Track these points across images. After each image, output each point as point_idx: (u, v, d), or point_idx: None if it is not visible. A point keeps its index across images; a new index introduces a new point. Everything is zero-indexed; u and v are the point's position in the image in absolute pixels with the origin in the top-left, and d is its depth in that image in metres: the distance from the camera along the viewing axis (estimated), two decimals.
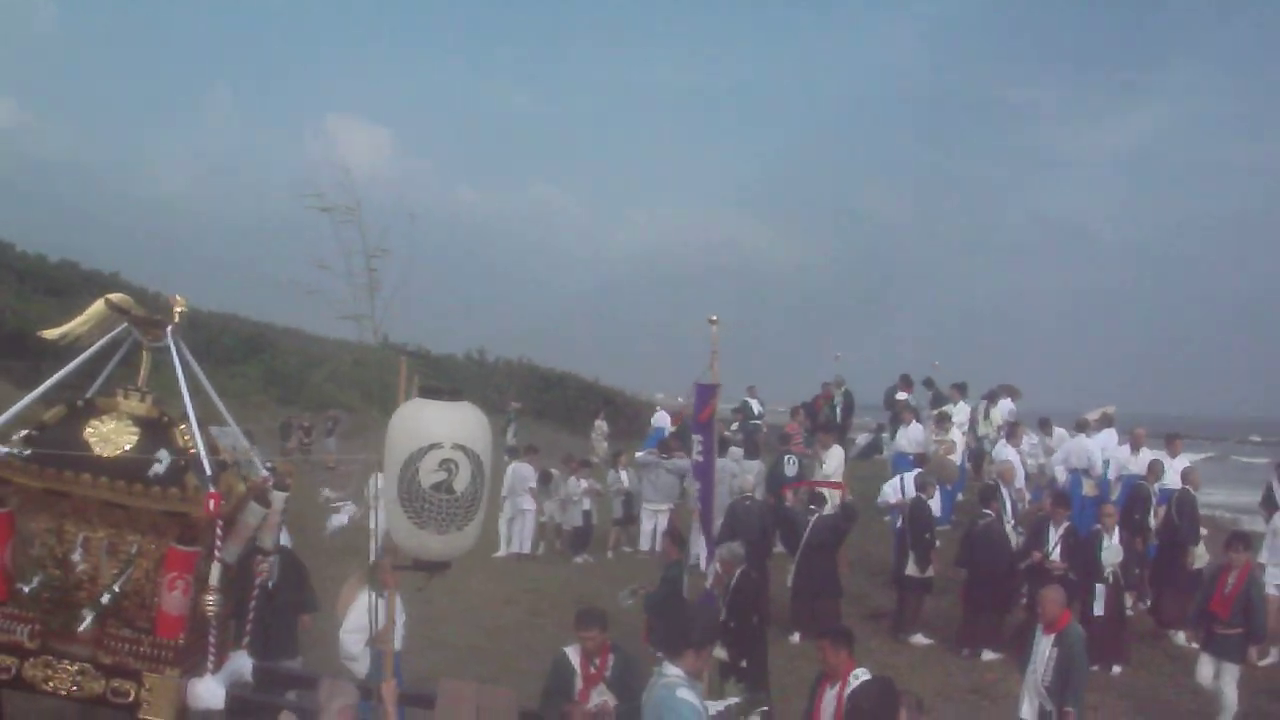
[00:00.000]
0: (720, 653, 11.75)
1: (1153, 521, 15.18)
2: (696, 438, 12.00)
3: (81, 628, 7.12)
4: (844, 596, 15.00)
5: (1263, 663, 12.36)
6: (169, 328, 7.91)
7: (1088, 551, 13.51)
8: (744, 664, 11.99)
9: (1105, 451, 18.51)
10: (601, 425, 34.56)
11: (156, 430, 7.56)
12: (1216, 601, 11.18)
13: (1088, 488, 18.02)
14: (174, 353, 7.94)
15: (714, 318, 11.96)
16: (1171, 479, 16.54)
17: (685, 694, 6.47)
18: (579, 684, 8.54)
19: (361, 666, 9.80)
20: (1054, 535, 13.78)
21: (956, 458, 19.86)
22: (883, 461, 24.66)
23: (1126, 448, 18.26)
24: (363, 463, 21.73)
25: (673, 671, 6.62)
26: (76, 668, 7.24)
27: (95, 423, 7.50)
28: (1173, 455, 17.16)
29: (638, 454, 22.03)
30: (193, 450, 7.45)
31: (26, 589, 7.22)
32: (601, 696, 8.49)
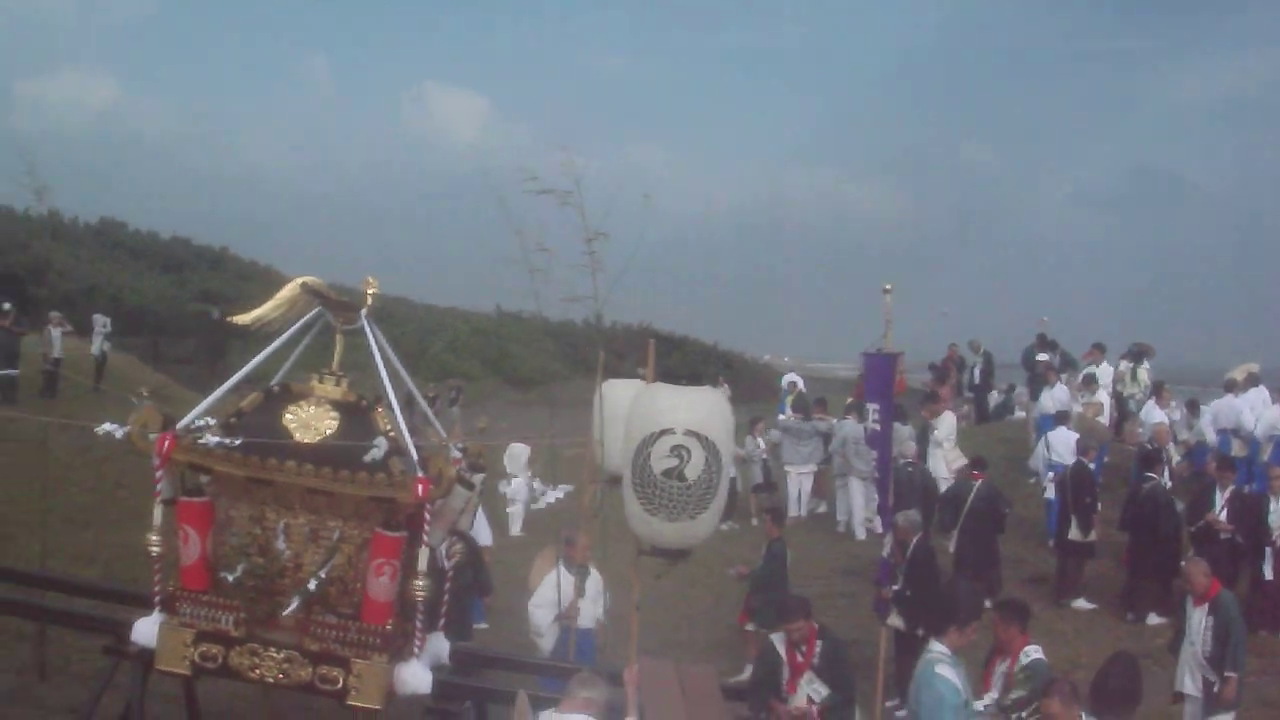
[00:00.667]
0: (896, 621, 11.56)
1: None
2: (873, 406, 11.63)
3: (287, 613, 7.10)
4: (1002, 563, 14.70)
5: None
6: (363, 311, 7.86)
7: (1256, 514, 13.05)
8: (920, 633, 11.77)
9: (1254, 410, 17.88)
10: (724, 390, 34.23)
11: (356, 415, 7.49)
12: None
13: (1236, 448, 17.43)
14: (370, 336, 7.89)
15: (888, 286, 11.69)
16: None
17: (944, 670, 6.41)
18: (786, 673, 8.39)
19: (548, 642, 9.74)
20: (1220, 498, 13.35)
21: (1104, 419, 19.34)
22: (1017, 423, 24.17)
23: (1278, 407, 17.61)
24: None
25: (937, 649, 6.57)
26: (283, 655, 7.23)
27: (294, 409, 7.45)
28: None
29: (779, 416, 21.82)
30: (392, 434, 7.42)
31: (231, 577, 7.22)
32: (811, 685, 8.32)
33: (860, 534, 18.06)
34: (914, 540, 11.91)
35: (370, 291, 7.87)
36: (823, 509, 20.02)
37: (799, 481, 19.80)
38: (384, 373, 7.88)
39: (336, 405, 7.53)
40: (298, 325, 7.80)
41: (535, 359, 45.57)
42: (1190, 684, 9.43)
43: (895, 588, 11.79)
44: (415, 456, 7.34)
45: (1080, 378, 20.46)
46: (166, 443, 7.12)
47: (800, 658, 8.38)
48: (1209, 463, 15.15)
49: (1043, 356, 23.77)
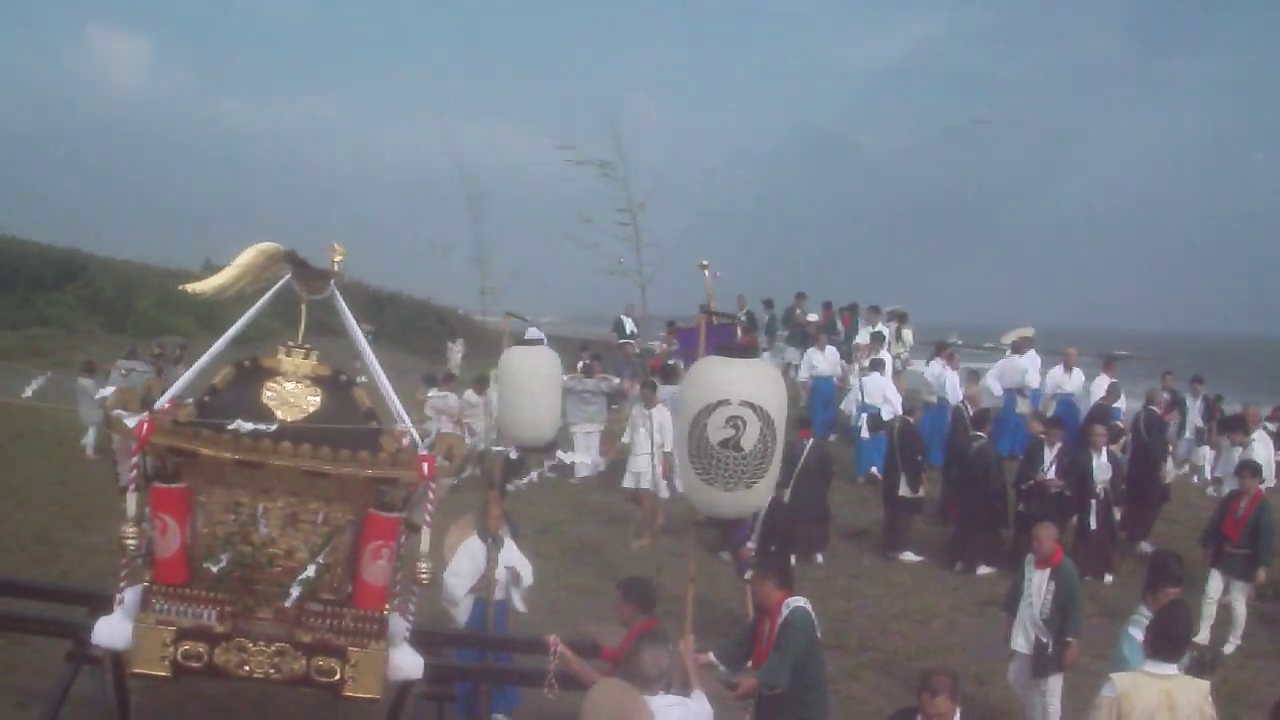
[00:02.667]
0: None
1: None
2: None
3: (290, 604, 6.64)
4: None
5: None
6: (331, 280, 7.39)
7: (1081, 470, 14.04)
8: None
9: (1036, 370, 19.23)
10: (458, 347, 33.91)
11: (337, 390, 7.06)
12: (1229, 525, 11.77)
13: (1021, 405, 18.68)
14: (341, 306, 7.45)
15: (705, 262, 12.02)
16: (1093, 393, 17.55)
17: (1134, 631, 6.61)
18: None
19: (461, 612, 9.48)
20: (1049, 455, 14.26)
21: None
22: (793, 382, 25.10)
23: (1060, 367, 19.00)
24: None
25: (1142, 610, 6.76)
26: (274, 649, 6.75)
27: (272, 385, 6.95)
28: (1110, 376, 17.95)
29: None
30: (366, 408, 7.03)
31: (215, 568, 6.68)
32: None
33: (664, 493, 18.31)
34: (770, 499, 12.23)
35: (337, 259, 7.41)
36: (603, 468, 20.17)
37: (586, 440, 19.86)
38: (364, 346, 7.49)
39: (316, 380, 7.07)
40: (269, 294, 7.25)
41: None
42: (1022, 642, 9.78)
43: (752, 546, 12.18)
44: (415, 433, 7.01)
45: (867, 336, 21.35)
46: (145, 425, 6.48)
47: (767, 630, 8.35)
48: (1032, 422, 16.14)
49: (813, 317, 24.75)
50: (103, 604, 7.63)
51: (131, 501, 6.59)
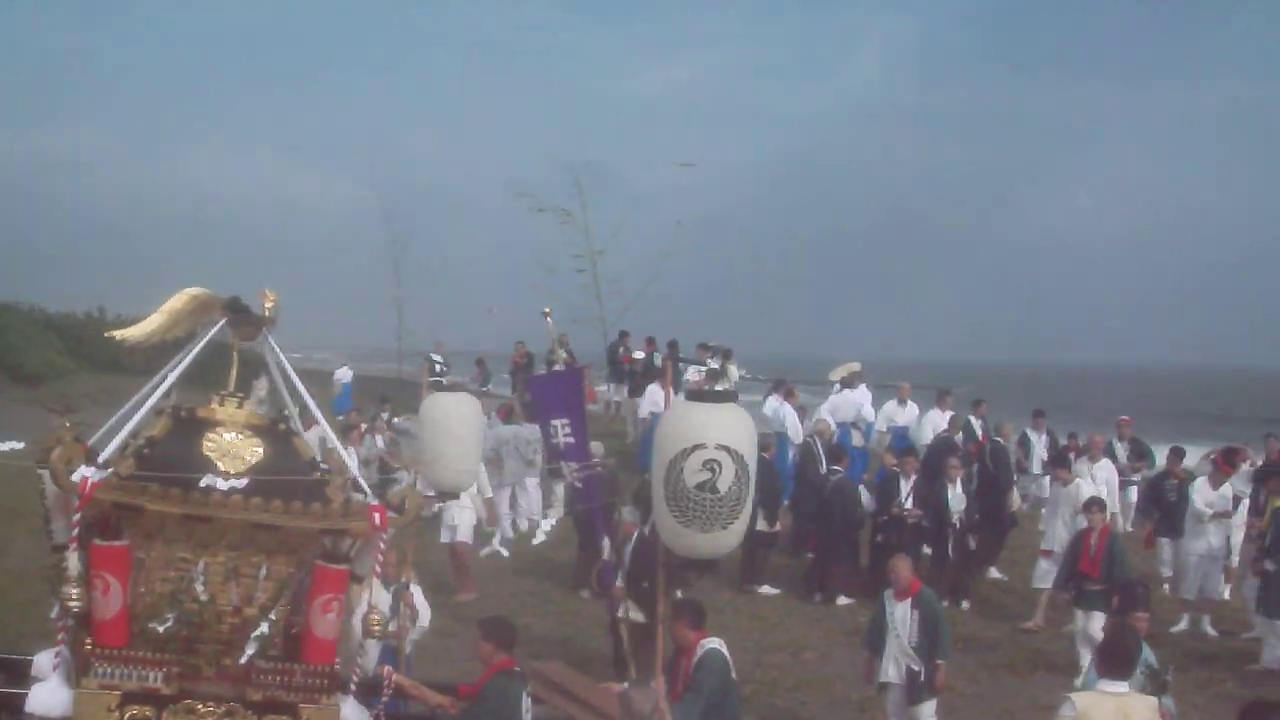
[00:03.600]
0: (637, 614, 12.02)
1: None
2: (561, 421, 11.97)
3: (243, 661, 6.44)
4: None
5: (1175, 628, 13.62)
6: (264, 327, 7.22)
7: (937, 500, 14.62)
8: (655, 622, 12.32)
9: (869, 404, 19.94)
10: (262, 385, 32.99)
11: (277, 440, 6.89)
12: (1085, 563, 12.22)
13: (855, 438, 19.30)
14: (275, 354, 7.29)
15: (547, 310, 12.38)
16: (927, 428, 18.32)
17: None
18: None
19: (370, 660, 9.30)
20: (905, 487, 14.81)
21: None
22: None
23: (894, 401, 19.74)
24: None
25: None
26: (224, 709, 6.52)
27: (212, 435, 6.73)
28: (943, 409, 18.76)
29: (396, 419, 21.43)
30: (309, 458, 6.90)
31: (161, 628, 6.43)
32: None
33: (540, 536, 18.23)
34: (635, 535, 12.40)
35: (269, 305, 7.23)
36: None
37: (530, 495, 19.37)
38: (304, 393, 7.34)
39: (256, 430, 6.89)
40: (204, 341, 7.03)
41: (39, 352, 41.46)
42: (893, 672, 10.11)
43: (622, 584, 12.28)
44: (361, 482, 6.91)
45: (706, 374, 21.73)
46: (88, 481, 6.19)
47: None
48: (885, 455, 16.70)
49: (639, 354, 25.15)
50: (16, 670, 7.27)
51: (73, 560, 6.27)
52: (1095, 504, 12.72)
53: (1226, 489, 13.64)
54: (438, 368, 29.36)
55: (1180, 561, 13.74)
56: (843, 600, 14.94)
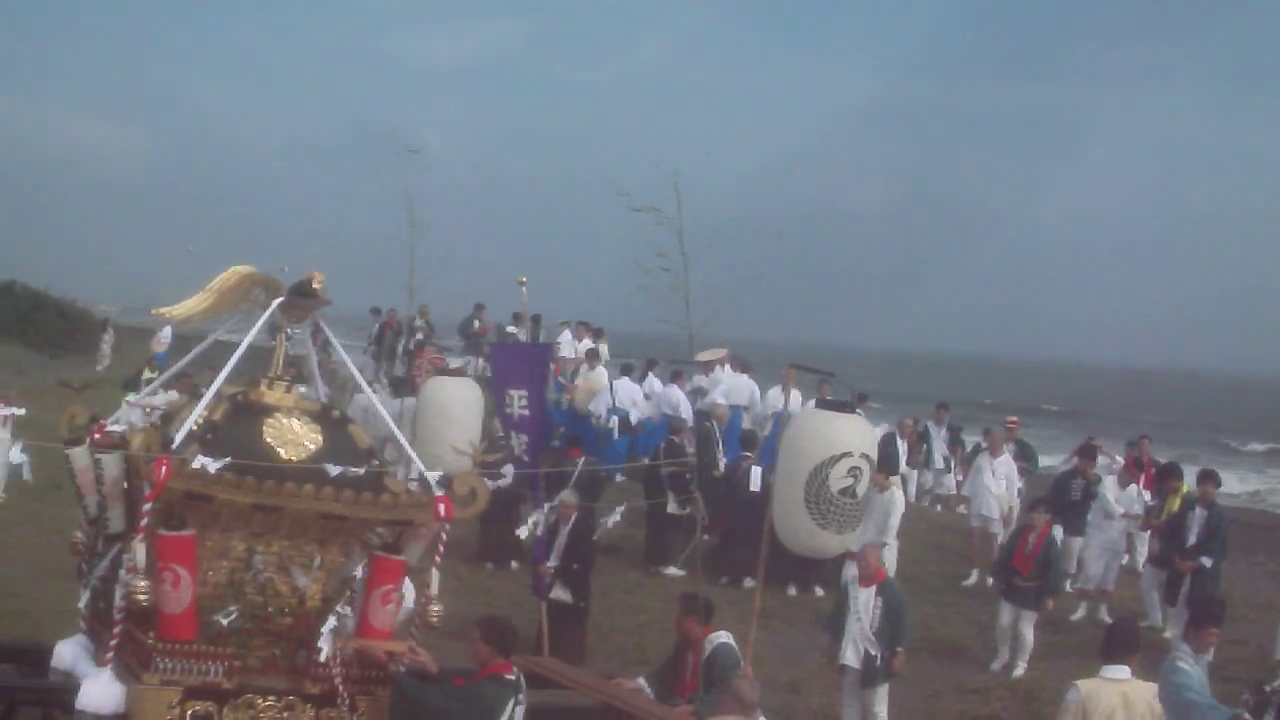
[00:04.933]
0: (563, 594, 12.14)
1: None
2: (519, 392, 12.03)
3: (323, 658, 6.30)
4: None
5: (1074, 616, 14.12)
6: (315, 310, 7.04)
7: None
8: (582, 604, 12.46)
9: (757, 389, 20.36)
10: (109, 337, 31.78)
11: (334, 427, 6.77)
12: (1019, 559, 12.55)
13: (747, 421, 19.66)
14: (328, 338, 7.14)
15: (523, 279, 12.35)
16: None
17: (1183, 663, 7.11)
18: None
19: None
20: None
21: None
22: None
23: (778, 387, 20.12)
24: None
25: (1183, 648, 7.20)
26: (283, 703, 6.39)
27: (271, 422, 6.56)
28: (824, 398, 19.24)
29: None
30: (366, 446, 6.79)
31: (226, 620, 6.26)
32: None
33: None
34: (573, 518, 12.48)
35: (317, 285, 7.02)
36: None
37: None
38: (360, 378, 7.19)
39: (313, 416, 6.74)
40: (260, 323, 6.80)
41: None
42: (851, 655, 10.39)
43: (553, 564, 12.33)
44: (424, 471, 6.80)
45: (584, 353, 21.78)
46: (164, 468, 5.95)
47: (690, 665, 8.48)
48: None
49: (512, 329, 25.08)
50: (38, 660, 6.96)
51: (141, 551, 6.02)
52: (1041, 504, 13.14)
53: (1133, 488, 14.46)
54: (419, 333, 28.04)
55: (1083, 554, 14.49)
56: (749, 583, 15.23)
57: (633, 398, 19.88)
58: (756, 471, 15.71)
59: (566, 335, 24.25)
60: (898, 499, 14.26)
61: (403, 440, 7.02)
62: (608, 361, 24.34)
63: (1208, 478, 13.06)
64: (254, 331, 6.76)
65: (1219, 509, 12.85)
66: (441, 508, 6.57)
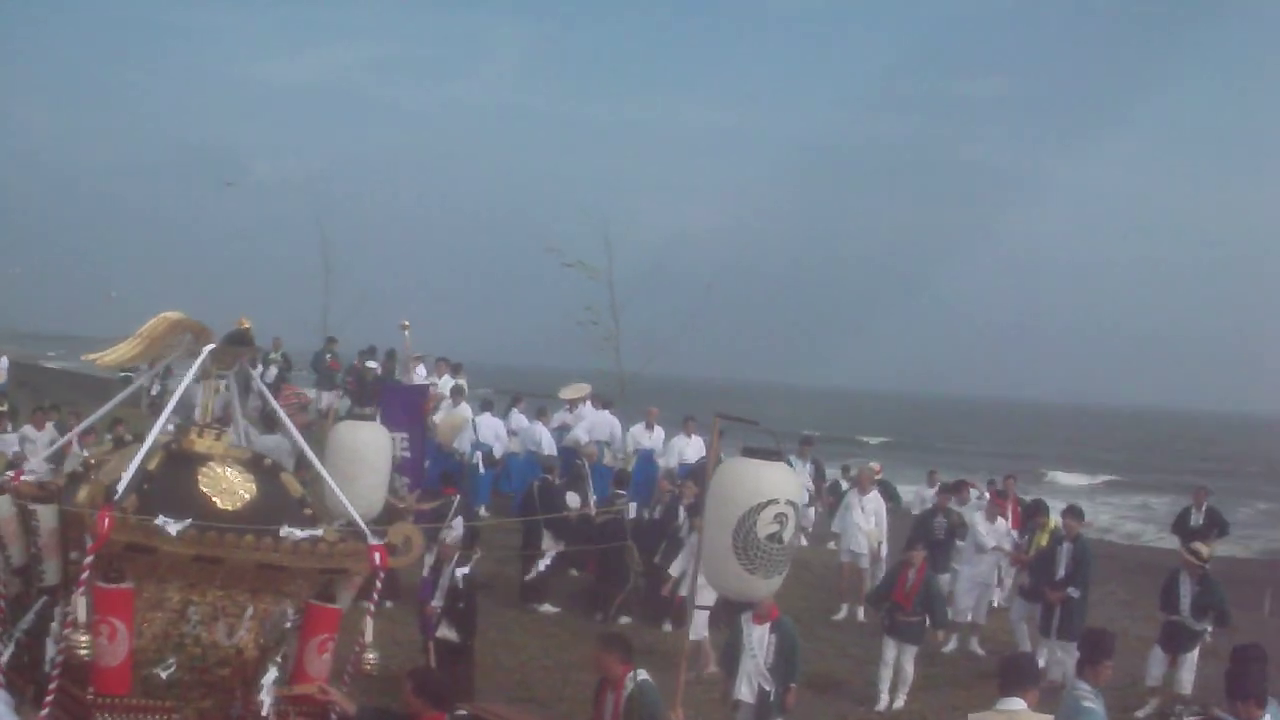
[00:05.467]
0: (449, 633, 12.16)
1: None
2: (400, 435, 12.10)
3: (265, 711, 6.27)
4: None
5: (946, 648, 14.67)
6: (245, 357, 7.03)
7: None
8: (468, 643, 12.50)
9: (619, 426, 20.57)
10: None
11: (266, 476, 6.75)
12: (899, 594, 12.92)
13: (609, 458, 19.88)
14: (257, 382, 7.13)
15: (405, 323, 12.42)
16: (691, 456, 19.16)
17: (1090, 703, 7.34)
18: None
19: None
20: (682, 512, 15.41)
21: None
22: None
23: (642, 424, 20.39)
24: None
25: (1082, 686, 7.39)
26: None
27: (205, 471, 6.52)
28: (688, 435, 19.62)
29: None
30: (299, 494, 6.81)
31: (164, 673, 6.19)
32: None
33: None
34: (455, 556, 12.53)
35: (245, 328, 7.03)
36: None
37: None
38: (287, 421, 7.21)
39: (245, 465, 6.71)
40: (193, 371, 6.74)
41: None
42: (746, 692, 10.67)
43: (438, 604, 12.34)
44: (360, 522, 6.83)
45: (448, 389, 21.69)
46: (106, 520, 5.87)
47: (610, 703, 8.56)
48: (662, 479, 17.20)
49: (371, 364, 24.91)
50: None
51: (83, 604, 5.91)
52: (917, 540, 13.67)
53: (1001, 522, 15.09)
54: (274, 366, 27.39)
55: (953, 588, 15.04)
56: (624, 619, 15.43)
57: (495, 432, 20.08)
58: (632, 508, 16.00)
59: (421, 370, 24.16)
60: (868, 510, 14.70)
61: (334, 486, 6.99)
62: (467, 395, 24.40)
63: (1073, 513, 13.75)
64: (187, 380, 6.69)
65: (1085, 541, 13.54)
66: (377, 556, 6.61)
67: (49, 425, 19.19)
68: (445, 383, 22.84)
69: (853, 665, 14.03)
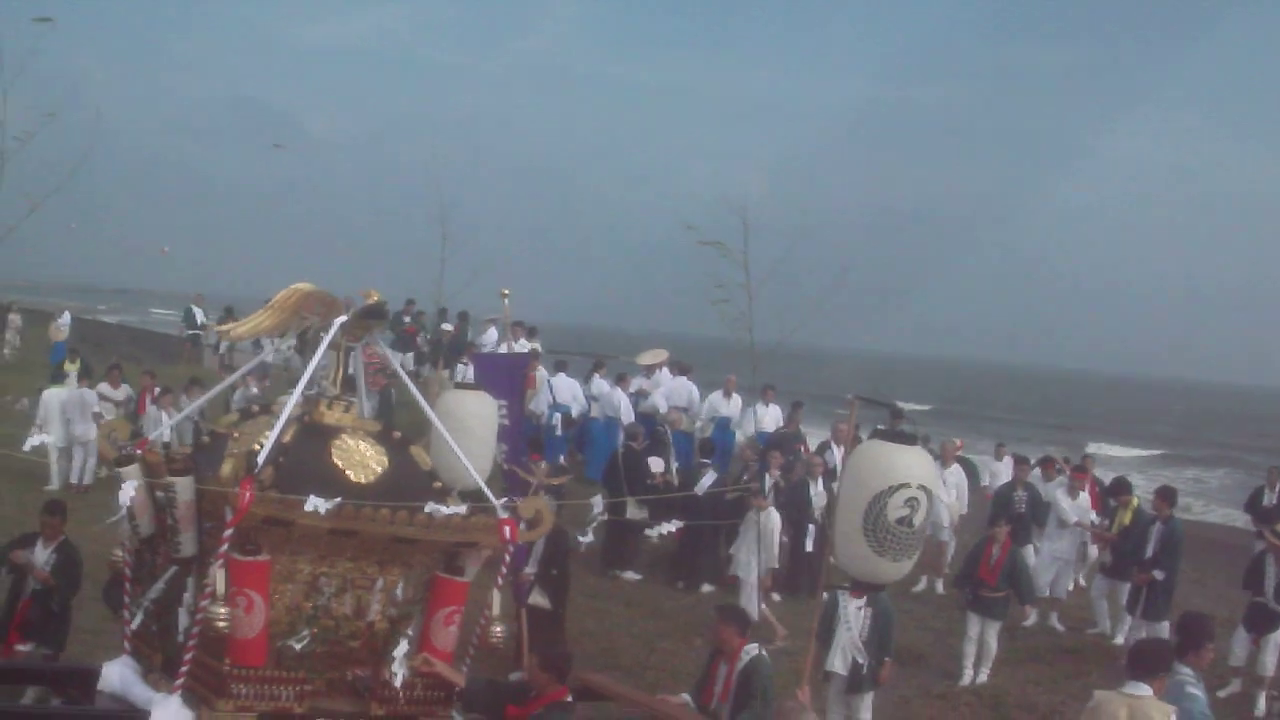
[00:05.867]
0: (541, 600, 12.18)
1: None
2: (501, 403, 12.10)
3: (398, 680, 6.32)
4: None
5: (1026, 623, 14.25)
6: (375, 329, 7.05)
7: (800, 495, 15.29)
8: (559, 610, 12.52)
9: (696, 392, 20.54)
10: (16, 320, 30.97)
11: (397, 449, 6.78)
12: (984, 570, 12.76)
13: (685, 424, 19.84)
14: (385, 354, 7.15)
15: (505, 291, 12.36)
16: (769, 425, 19.09)
17: (1192, 689, 7.32)
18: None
19: None
20: (769, 481, 15.35)
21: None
22: None
23: (720, 392, 20.32)
24: None
25: (1184, 670, 7.37)
26: None
27: (338, 444, 6.55)
28: (766, 404, 19.54)
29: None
30: (428, 468, 6.82)
31: (298, 645, 6.24)
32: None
33: None
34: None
35: (371, 303, 7.02)
36: None
37: None
38: (422, 401, 7.20)
39: (376, 438, 6.73)
40: (325, 344, 6.75)
41: None
42: (839, 663, 10.65)
43: (532, 570, 12.38)
44: (491, 495, 6.86)
45: (529, 352, 21.71)
46: (248, 494, 5.90)
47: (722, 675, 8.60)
48: (744, 450, 17.13)
49: (446, 326, 25.05)
50: (85, 683, 6.87)
51: (220, 579, 5.96)
52: (1000, 514, 13.56)
53: (1084, 497, 14.94)
54: (199, 320, 28.50)
55: (1034, 563, 14.89)
56: (706, 588, 15.44)
57: (573, 393, 20.17)
58: (709, 477, 15.93)
59: (492, 332, 24.29)
60: (774, 520, 14.40)
61: (465, 460, 6.99)
62: (542, 357, 24.50)
63: (1164, 494, 13.54)
64: (320, 351, 6.69)
65: (1176, 523, 13.33)
66: (507, 530, 6.61)
67: (124, 384, 19.39)
68: (520, 346, 22.99)
69: (933, 639, 13.95)
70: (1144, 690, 7.29)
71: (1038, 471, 16.38)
